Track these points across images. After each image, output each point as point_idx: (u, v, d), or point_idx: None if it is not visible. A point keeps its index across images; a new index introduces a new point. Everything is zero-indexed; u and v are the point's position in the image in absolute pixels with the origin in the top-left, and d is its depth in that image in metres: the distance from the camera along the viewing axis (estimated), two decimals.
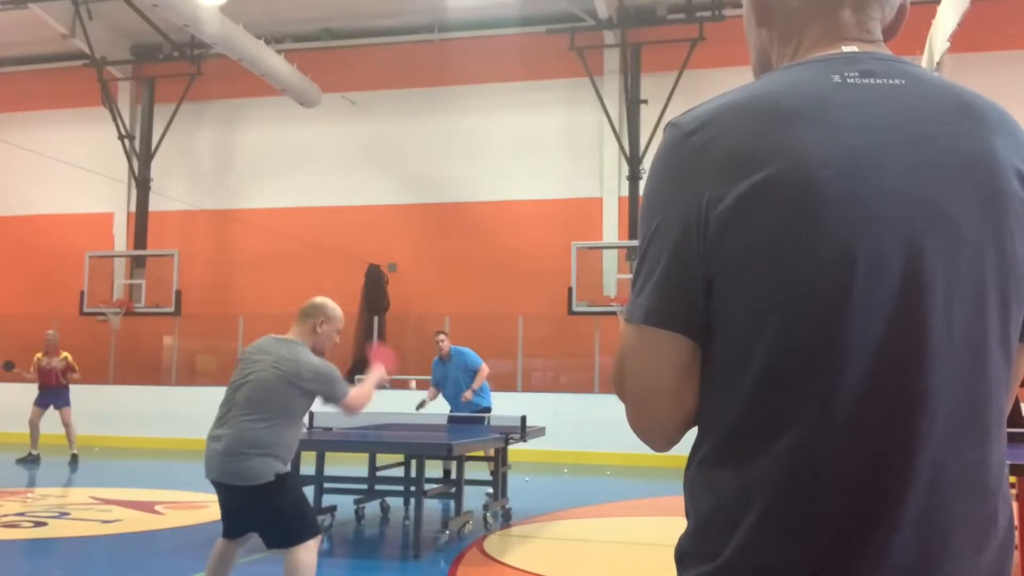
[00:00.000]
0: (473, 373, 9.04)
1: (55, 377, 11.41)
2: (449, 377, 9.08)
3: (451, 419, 8.69)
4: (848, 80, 1.00)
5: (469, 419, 8.72)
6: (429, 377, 9.48)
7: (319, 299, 4.25)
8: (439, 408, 9.34)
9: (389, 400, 13.46)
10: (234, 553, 4.04)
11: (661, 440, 1.04)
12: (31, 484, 9.72)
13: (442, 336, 9.14)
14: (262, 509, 3.84)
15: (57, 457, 11.68)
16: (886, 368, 0.91)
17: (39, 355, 11.54)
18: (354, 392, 4.18)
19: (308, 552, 3.83)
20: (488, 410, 9.08)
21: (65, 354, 11.53)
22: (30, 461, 11.36)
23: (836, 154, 0.94)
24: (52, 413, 11.36)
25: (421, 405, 9.42)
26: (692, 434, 1.04)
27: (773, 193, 0.93)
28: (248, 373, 3.95)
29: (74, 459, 11.34)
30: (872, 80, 1.00)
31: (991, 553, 0.95)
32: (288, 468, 3.95)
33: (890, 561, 0.89)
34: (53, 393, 11.40)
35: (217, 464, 3.82)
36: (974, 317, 0.94)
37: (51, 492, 9.18)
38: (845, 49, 1.05)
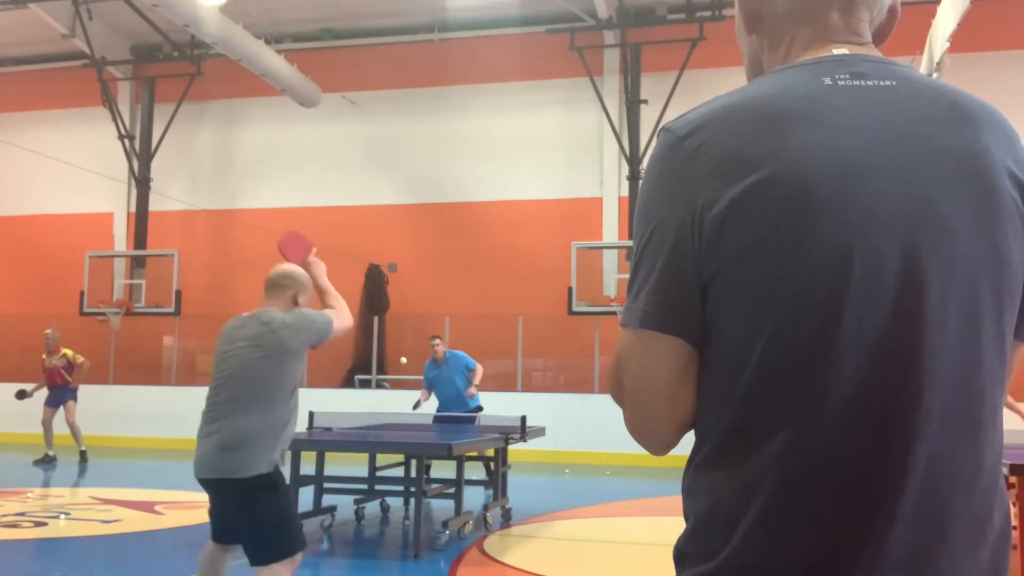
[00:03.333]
0: (470, 372, 9.35)
1: (59, 376, 11.41)
2: (445, 379, 9.30)
3: (439, 419, 8.84)
4: (839, 82, 1.00)
5: (460, 418, 8.84)
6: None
7: (288, 267, 3.87)
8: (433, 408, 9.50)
9: (389, 400, 13.48)
10: (224, 560, 3.70)
11: (658, 444, 1.05)
12: (32, 484, 9.72)
13: (438, 340, 9.40)
14: (249, 508, 3.50)
15: (66, 458, 11.68)
16: (882, 366, 0.92)
17: (44, 355, 11.56)
18: (333, 314, 3.79)
19: (286, 569, 3.49)
20: (480, 409, 9.33)
21: (65, 351, 11.52)
22: (46, 462, 11.35)
23: (829, 155, 0.94)
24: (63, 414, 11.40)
25: (417, 405, 9.57)
26: (689, 436, 1.05)
27: (767, 195, 0.93)
28: (229, 362, 3.61)
29: (83, 456, 11.31)
30: (863, 82, 1.01)
31: (988, 548, 0.95)
32: (283, 467, 3.64)
33: (886, 557, 0.90)
34: (59, 391, 11.41)
35: (210, 461, 3.52)
36: (968, 314, 0.94)
37: (51, 492, 9.19)
38: (835, 52, 1.05)
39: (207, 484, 3.60)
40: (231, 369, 3.59)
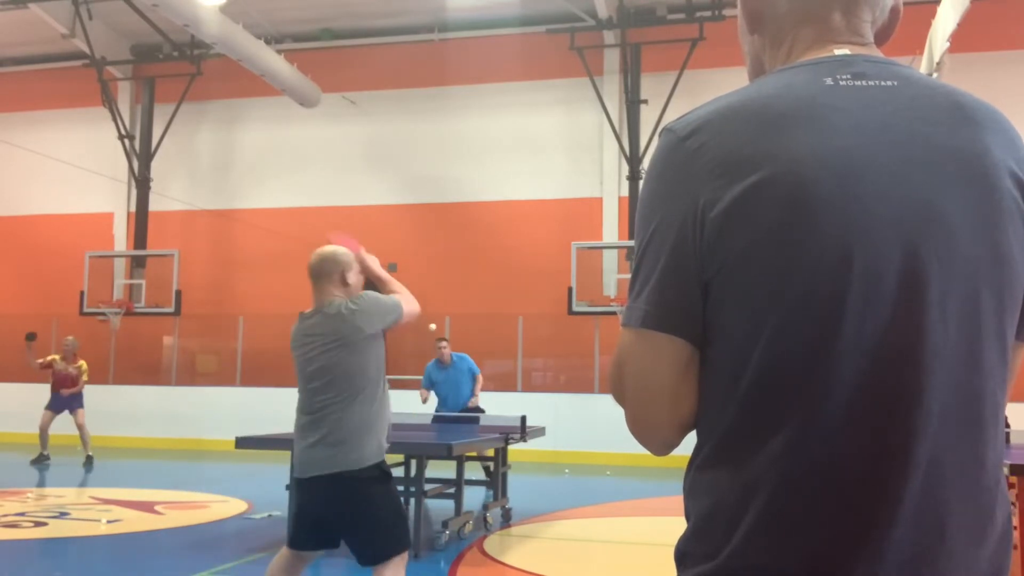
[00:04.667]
0: (474, 376, 9.49)
1: (69, 382, 11.50)
2: (451, 381, 9.40)
3: (443, 418, 8.90)
4: (840, 82, 1.00)
5: (464, 418, 8.89)
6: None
7: (325, 249, 3.70)
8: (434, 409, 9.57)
9: (390, 400, 13.48)
10: (299, 570, 3.55)
11: (660, 444, 1.05)
12: (32, 484, 9.72)
13: (444, 343, 9.52)
14: (365, 502, 3.39)
15: (67, 458, 11.69)
16: (882, 366, 0.92)
17: (57, 358, 11.62)
18: (400, 298, 3.70)
19: (402, 566, 3.40)
20: (482, 411, 9.41)
21: (81, 362, 11.58)
22: (41, 462, 11.41)
23: (829, 155, 0.94)
24: (63, 416, 11.44)
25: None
26: (691, 436, 1.05)
27: (767, 195, 0.94)
28: (314, 363, 3.50)
29: (89, 460, 11.35)
30: (864, 82, 1.01)
31: (988, 549, 0.95)
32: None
33: (887, 558, 0.90)
34: (64, 399, 11.48)
35: (321, 458, 3.39)
36: (969, 315, 0.94)
37: (51, 492, 9.19)
38: (837, 52, 1.05)
39: (312, 483, 3.44)
40: (319, 369, 3.50)
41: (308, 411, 3.51)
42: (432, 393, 9.49)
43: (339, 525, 3.47)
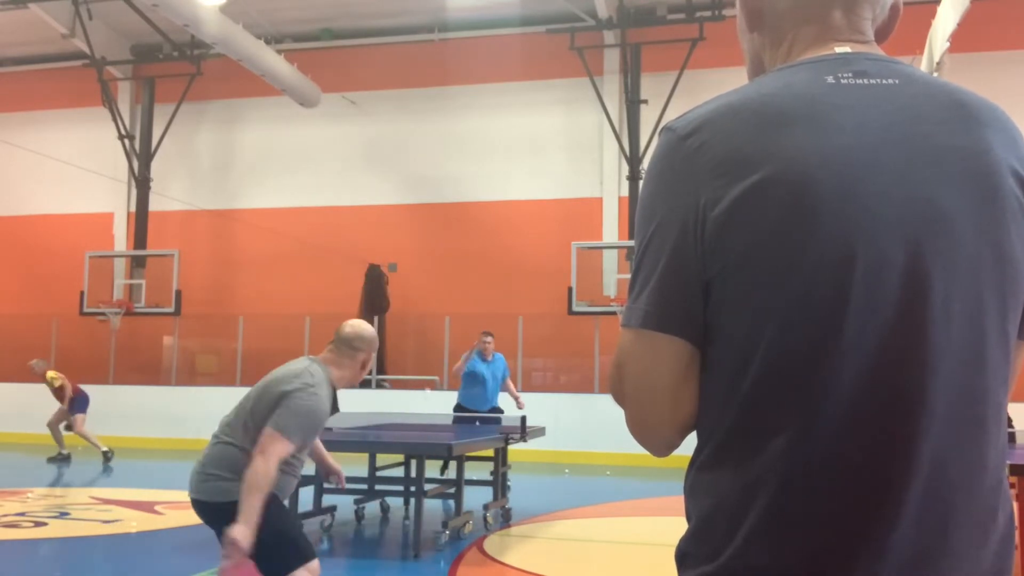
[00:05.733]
0: (505, 380, 9.66)
1: (56, 396, 11.61)
2: (490, 375, 9.52)
3: (464, 419, 9.09)
4: (842, 81, 1.00)
5: (485, 417, 9.10)
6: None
7: (365, 327, 3.55)
8: (443, 408, 9.59)
9: (390, 400, 13.49)
10: None
11: (661, 445, 1.05)
12: (32, 484, 9.71)
13: (490, 338, 9.58)
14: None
15: (72, 459, 11.70)
16: (885, 366, 0.91)
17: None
18: (269, 457, 3.27)
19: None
20: (500, 410, 9.54)
21: (49, 376, 11.57)
22: (61, 460, 11.48)
23: (831, 154, 0.94)
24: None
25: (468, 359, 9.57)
26: (691, 437, 1.04)
27: (769, 195, 0.93)
28: (252, 391, 3.51)
29: (106, 456, 11.41)
30: (866, 80, 1.00)
31: (991, 549, 0.95)
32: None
33: (889, 558, 0.90)
34: (70, 403, 11.56)
35: (192, 480, 3.41)
36: (972, 314, 0.94)
37: (51, 492, 9.18)
38: (838, 50, 1.05)
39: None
40: (248, 399, 3.47)
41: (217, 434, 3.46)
42: (465, 384, 9.54)
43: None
